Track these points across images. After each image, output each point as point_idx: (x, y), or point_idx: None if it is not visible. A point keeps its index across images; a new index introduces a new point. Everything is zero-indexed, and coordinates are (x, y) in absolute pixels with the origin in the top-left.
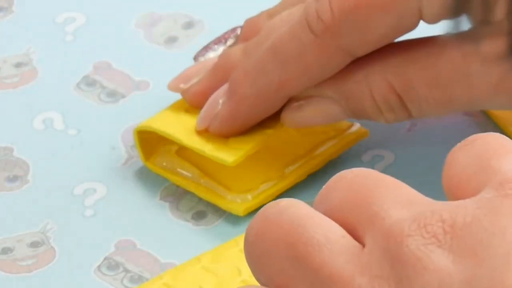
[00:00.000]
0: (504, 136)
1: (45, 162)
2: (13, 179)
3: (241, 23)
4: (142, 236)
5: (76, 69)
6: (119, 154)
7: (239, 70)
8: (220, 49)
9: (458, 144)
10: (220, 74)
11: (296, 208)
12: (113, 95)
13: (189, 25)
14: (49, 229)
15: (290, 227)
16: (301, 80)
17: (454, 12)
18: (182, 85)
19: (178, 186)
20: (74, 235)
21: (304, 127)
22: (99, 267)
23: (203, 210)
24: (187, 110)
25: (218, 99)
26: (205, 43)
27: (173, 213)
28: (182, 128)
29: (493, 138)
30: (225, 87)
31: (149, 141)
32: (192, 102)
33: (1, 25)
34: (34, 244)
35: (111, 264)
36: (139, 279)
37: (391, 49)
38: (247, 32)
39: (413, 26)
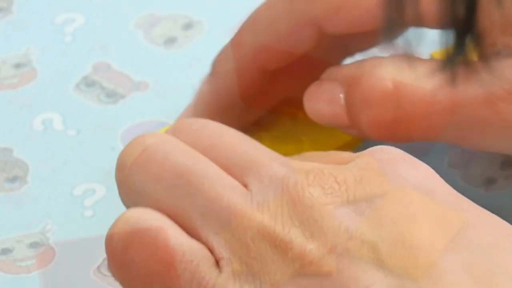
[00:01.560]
0: None
1: (44, 162)
2: (13, 179)
3: (241, 23)
4: None
5: (75, 69)
6: (118, 154)
7: (220, 51)
8: None
9: None
10: None
11: (178, 145)
12: (113, 96)
13: (188, 26)
14: (49, 230)
15: (178, 160)
16: (274, 52)
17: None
18: None
19: None
20: (73, 236)
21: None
22: (98, 267)
23: None
24: None
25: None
26: (204, 44)
27: None
28: None
29: None
30: None
31: None
32: None
33: (0, 25)
34: (34, 245)
35: None
36: None
37: None
38: None
39: None
